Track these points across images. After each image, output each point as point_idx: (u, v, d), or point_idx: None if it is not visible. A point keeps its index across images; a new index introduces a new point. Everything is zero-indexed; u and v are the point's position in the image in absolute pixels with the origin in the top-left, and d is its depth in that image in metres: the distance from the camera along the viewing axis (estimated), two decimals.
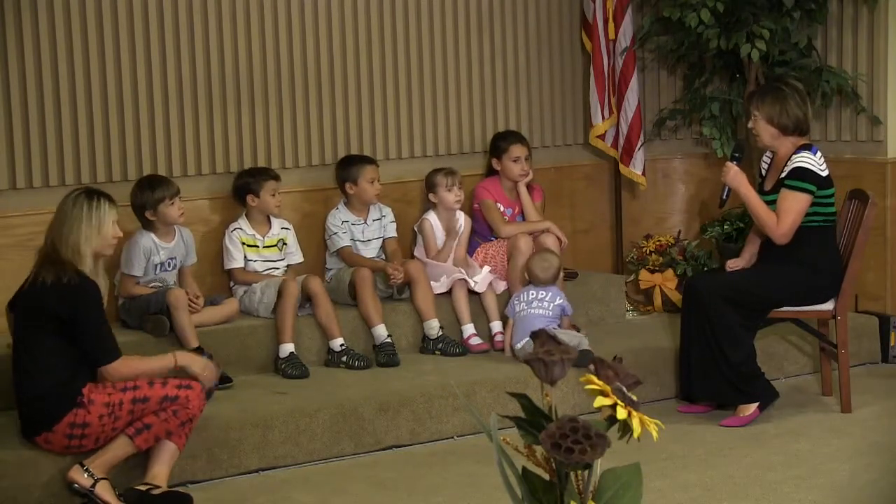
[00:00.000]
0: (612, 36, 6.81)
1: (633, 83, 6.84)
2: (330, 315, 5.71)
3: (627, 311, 6.75)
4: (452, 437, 5.36)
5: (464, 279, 6.01)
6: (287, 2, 6.15)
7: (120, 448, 4.50)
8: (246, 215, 5.90)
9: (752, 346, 5.45)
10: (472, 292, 6.05)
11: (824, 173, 5.37)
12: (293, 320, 5.62)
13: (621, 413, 2.21)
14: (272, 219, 5.94)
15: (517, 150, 6.35)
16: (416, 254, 6.30)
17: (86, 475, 4.45)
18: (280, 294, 5.62)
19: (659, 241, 6.99)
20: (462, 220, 6.25)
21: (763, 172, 5.63)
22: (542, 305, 5.75)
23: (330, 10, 6.27)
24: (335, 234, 6.05)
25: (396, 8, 6.47)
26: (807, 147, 5.40)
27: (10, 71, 5.49)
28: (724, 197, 5.53)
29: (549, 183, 6.80)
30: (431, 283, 6.00)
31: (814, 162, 5.34)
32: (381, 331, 5.78)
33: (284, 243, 5.96)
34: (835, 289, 5.46)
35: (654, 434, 2.27)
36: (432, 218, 6.23)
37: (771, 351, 6.06)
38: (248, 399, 5.22)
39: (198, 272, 5.77)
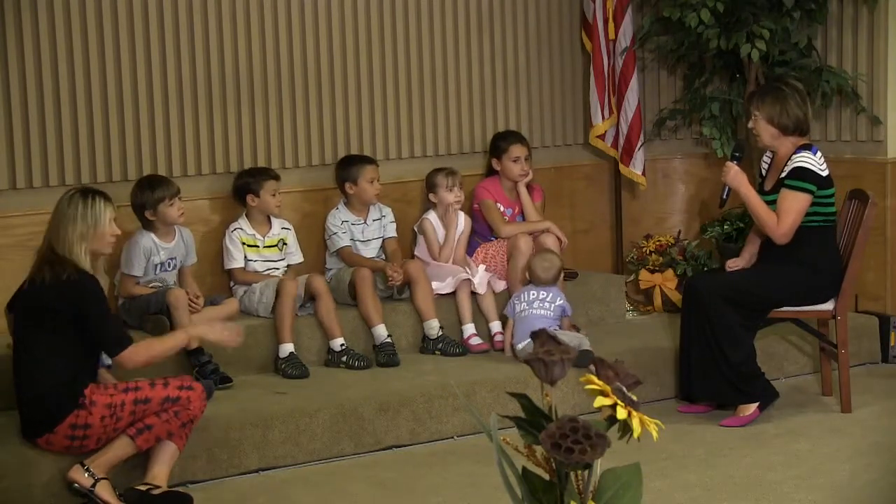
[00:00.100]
0: (612, 36, 6.81)
1: (633, 83, 6.84)
2: (331, 314, 5.71)
3: (627, 311, 6.76)
4: (452, 437, 5.36)
5: (468, 279, 6.01)
6: (287, 2, 6.15)
7: (121, 448, 4.50)
8: (246, 215, 5.90)
9: (752, 346, 5.45)
10: (473, 292, 6.05)
11: (824, 173, 5.37)
12: (292, 320, 5.62)
13: (621, 413, 2.21)
14: (272, 219, 5.95)
15: (517, 150, 6.35)
16: (416, 254, 6.30)
17: (86, 475, 4.45)
18: (278, 294, 5.62)
19: (659, 241, 6.99)
20: (462, 220, 6.25)
21: (763, 172, 5.63)
22: (543, 306, 5.75)
23: (330, 10, 6.27)
24: (335, 234, 6.05)
25: (396, 8, 6.47)
26: (807, 147, 5.40)
27: (10, 71, 5.49)
28: (725, 197, 5.53)
29: (549, 183, 6.80)
30: (437, 284, 6.01)
31: (814, 162, 5.34)
32: (381, 331, 5.78)
33: (285, 243, 5.96)
34: (835, 289, 5.46)
35: (654, 434, 2.27)
36: (432, 217, 6.23)
37: (771, 351, 6.06)
38: (248, 399, 5.22)
39: (198, 272, 5.77)
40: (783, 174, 5.38)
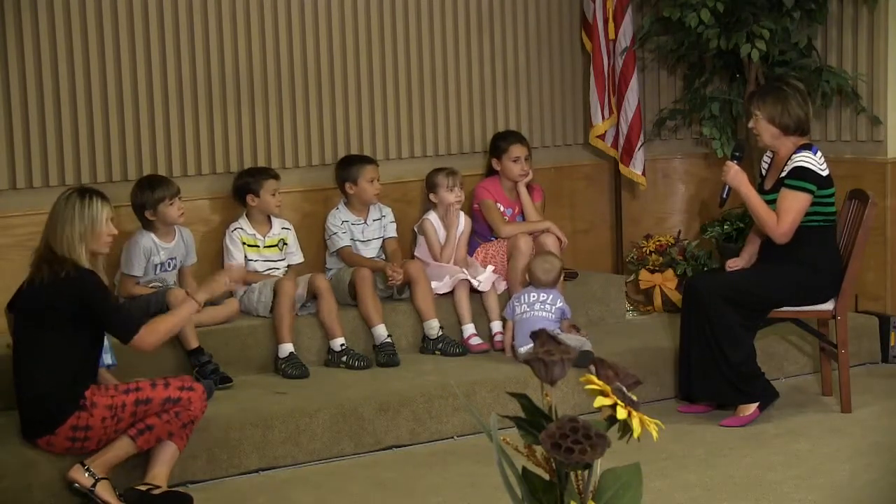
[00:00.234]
0: (612, 36, 6.81)
1: (633, 83, 6.84)
2: (333, 314, 5.71)
3: (627, 311, 6.75)
4: (452, 437, 5.36)
5: (466, 279, 6.01)
6: (287, 2, 6.15)
7: (121, 448, 4.50)
8: (246, 215, 5.90)
9: (752, 346, 5.45)
10: (474, 291, 6.05)
11: (824, 173, 5.37)
12: (291, 319, 5.62)
13: (621, 413, 2.21)
14: (273, 219, 5.95)
15: (517, 150, 6.35)
16: (416, 254, 6.30)
17: (86, 475, 4.45)
18: (275, 294, 5.61)
19: (659, 241, 6.99)
20: (462, 220, 6.25)
21: (763, 172, 5.63)
22: (544, 308, 5.74)
23: (330, 10, 6.27)
24: (335, 234, 6.05)
25: (396, 8, 6.47)
26: (807, 147, 5.40)
27: (10, 71, 5.49)
28: (725, 196, 5.53)
29: (549, 183, 6.80)
30: (435, 283, 6.01)
31: (814, 161, 5.34)
32: (381, 331, 5.78)
33: (285, 243, 5.96)
34: (835, 289, 5.46)
35: (654, 434, 2.27)
36: (432, 218, 6.23)
37: (771, 351, 6.06)
38: (248, 399, 5.22)
39: (198, 272, 5.77)
40: (783, 174, 5.38)
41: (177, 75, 5.88)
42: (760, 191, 5.48)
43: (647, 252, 6.95)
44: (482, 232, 6.36)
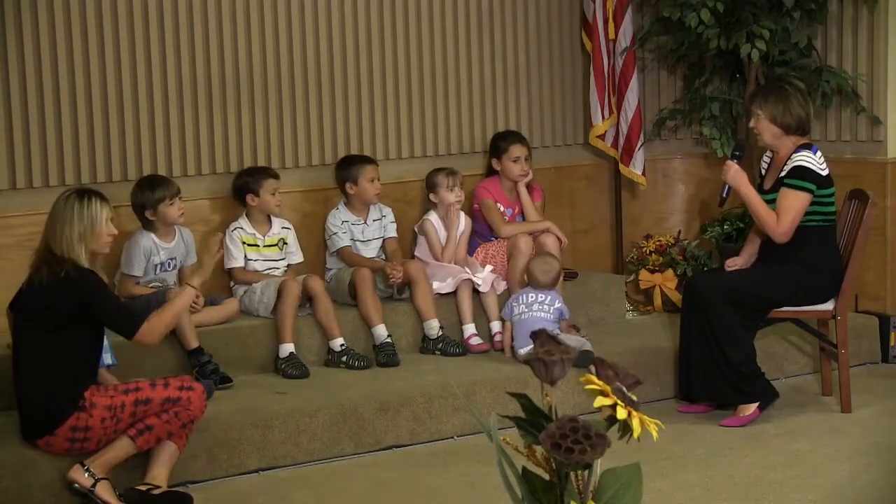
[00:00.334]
0: (612, 36, 6.81)
1: (633, 83, 6.84)
2: (330, 315, 5.71)
3: (627, 311, 6.75)
4: (452, 437, 5.36)
5: (469, 279, 6.01)
6: (287, 2, 6.15)
7: (121, 448, 4.50)
8: (246, 215, 5.90)
9: (752, 346, 5.45)
10: (474, 291, 6.05)
11: (824, 172, 5.37)
12: (293, 320, 5.62)
13: (621, 413, 2.21)
14: (272, 218, 5.95)
15: (517, 150, 6.35)
16: (416, 254, 6.30)
17: (86, 475, 4.45)
18: (280, 294, 5.62)
19: (659, 241, 6.99)
20: (463, 220, 6.25)
21: (763, 172, 5.63)
22: (542, 308, 5.74)
23: (330, 10, 6.27)
24: (335, 234, 6.05)
25: (396, 8, 6.47)
26: (807, 146, 5.40)
27: (10, 71, 5.49)
28: (724, 195, 5.53)
29: (549, 183, 6.80)
30: (437, 283, 6.01)
31: (814, 161, 5.34)
32: (381, 331, 5.78)
33: (285, 243, 5.96)
34: (835, 289, 5.46)
35: (654, 434, 2.27)
36: (433, 218, 6.23)
37: (771, 351, 6.06)
38: (248, 399, 5.22)
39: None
40: (783, 173, 5.38)
41: (177, 75, 5.88)
42: (760, 190, 5.48)
43: (647, 252, 6.95)
44: (482, 232, 6.35)
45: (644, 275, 6.88)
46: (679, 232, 7.19)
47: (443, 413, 5.35)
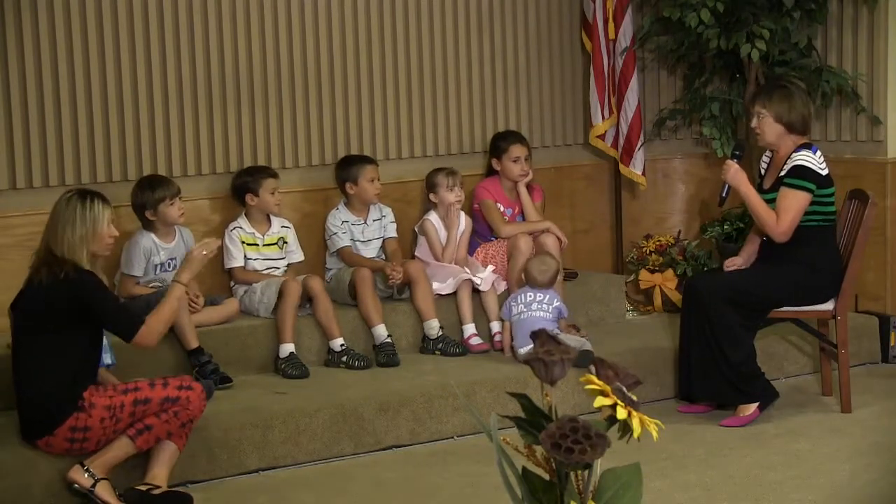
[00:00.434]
0: (612, 36, 6.81)
1: (633, 83, 6.84)
2: (330, 315, 5.71)
3: (627, 311, 6.75)
4: (452, 437, 5.36)
5: (469, 279, 6.01)
6: (287, 2, 6.15)
7: (121, 449, 4.50)
8: (245, 214, 5.90)
9: (752, 346, 5.44)
10: (475, 291, 6.05)
11: (824, 172, 5.37)
12: (293, 320, 5.62)
13: (621, 413, 2.21)
14: (272, 217, 5.95)
15: (517, 150, 6.35)
16: (416, 254, 6.30)
17: (86, 475, 4.45)
18: (281, 294, 5.62)
19: (659, 241, 6.99)
20: (463, 220, 6.25)
21: (762, 171, 5.63)
22: (541, 308, 5.74)
23: (330, 10, 6.27)
24: (335, 234, 6.05)
25: (396, 8, 6.47)
26: (807, 146, 5.40)
27: (10, 71, 5.49)
28: (724, 195, 5.53)
29: (549, 183, 6.80)
30: (437, 284, 6.01)
31: (814, 160, 5.34)
32: (381, 331, 5.78)
33: (285, 242, 5.96)
34: (835, 289, 5.46)
35: (654, 434, 2.27)
36: (433, 218, 6.23)
37: (771, 351, 6.06)
38: (248, 399, 5.22)
39: (198, 272, 5.76)
40: (783, 172, 5.38)
41: (177, 75, 5.88)
42: (760, 190, 5.48)
43: (647, 252, 6.95)
44: (482, 232, 6.35)
45: (644, 275, 6.88)
46: (679, 232, 7.19)
47: (443, 413, 5.35)
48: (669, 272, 6.83)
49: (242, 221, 5.89)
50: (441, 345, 5.88)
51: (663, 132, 7.19)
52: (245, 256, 5.85)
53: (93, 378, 4.57)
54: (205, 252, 4.76)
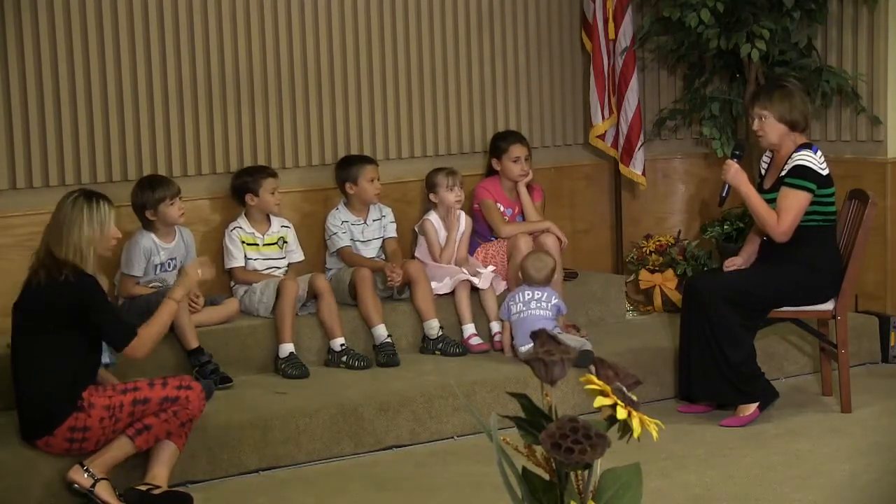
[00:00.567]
0: (612, 36, 6.81)
1: (633, 83, 6.84)
2: (333, 314, 5.71)
3: (627, 311, 6.75)
4: (452, 437, 5.36)
5: (467, 280, 6.01)
6: (287, 2, 6.15)
7: (120, 448, 4.50)
8: (245, 214, 5.90)
9: (752, 346, 5.44)
10: (474, 290, 6.04)
11: (824, 172, 5.37)
12: (293, 320, 5.62)
13: (621, 413, 2.21)
14: (272, 217, 5.95)
15: (517, 150, 6.35)
16: (416, 254, 6.30)
17: (86, 475, 4.45)
18: (278, 294, 5.61)
19: (659, 241, 6.99)
20: (463, 219, 6.25)
21: (763, 171, 5.63)
22: (540, 306, 5.74)
23: (330, 10, 6.27)
24: (335, 234, 6.05)
25: (396, 8, 6.47)
26: (807, 146, 5.40)
27: (10, 71, 5.49)
28: (724, 195, 5.53)
29: (549, 183, 6.80)
30: (435, 284, 6.00)
31: (814, 160, 5.34)
32: (381, 331, 5.78)
33: (285, 241, 5.96)
34: (835, 289, 5.46)
35: (654, 434, 2.27)
36: (433, 218, 6.23)
37: (771, 351, 6.06)
38: (248, 399, 5.22)
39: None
40: (783, 172, 5.38)
41: (177, 75, 5.88)
42: (760, 190, 5.48)
43: (647, 252, 6.95)
44: (482, 232, 6.35)
45: (644, 275, 6.88)
46: (679, 232, 7.19)
47: (443, 413, 5.35)
48: (669, 272, 6.83)
49: (242, 221, 5.89)
50: (441, 345, 5.88)
51: (663, 132, 7.19)
52: (245, 256, 5.85)
53: (92, 378, 4.57)
54: (199, 272, 4.82)
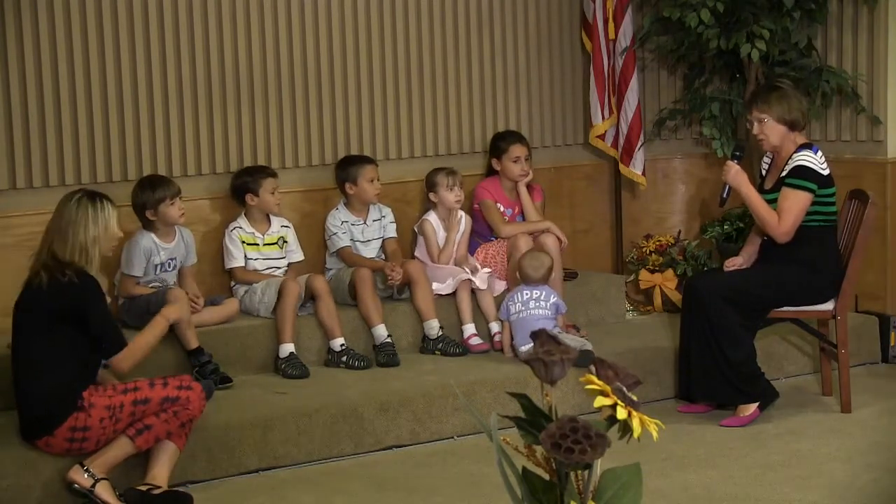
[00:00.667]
0: (612, 36, 6.81)
1: (633, 83, 6.84)
2: (332, 314, 5.71)
3: (627, 311, 6.75)
4: (452, 437, 5.36)
5: (469, 279, 6.01)
6: (287, 2, 6.15)
7: (120, 448, 4.50)
8: (245, 214, 5.90)
9: (752, 346, 5.44)
10: (474, 290, 6.04)
11: (825, 172, 5.37)
12: (293, 320, 5.62)
13: (621, 413, 2.21)
14: (272, 217, 5.95)
15: (517, 150, 6.35)
16: (416, 254, 6.30)
17: (86, 475, 4.45)
18: (280, 294, 5.62)
19: (659, 241, 6.99)
20: (463, 219, 6.25)
21: (763, 172, 5.63)
22: (539, 305, 5.74)
23: (330, 10, 6.27)
24: (335, 234, 6.05)
25: (396, 8, 6.47)
26: (808, 146, 5.40)
27: (10, 71, 5.49)
28: (725, 196, 5.53)
29: (549, 183, 6.80)
30: (437, 285, 6.00)
31: (815, 161, 5.34)
32: (381, 331, 5.78)
33: (285, 241, 5.96)
34: (835, 289, 5.46)
35: (654, 434, 2.27)
36: (432, 218, 6.23)
37: (771, 351, 6.06)
38: (248, 399, 5.22)
39: (198, 272, 5.77)
40: (784, 173, 5.38)
41: (177, 75, 5.88)
42: (761, 190, 5.48)
43: (647, 252, 6.95)
44: (482, 232, 6.35)
45: (644, 275, 6.88)
46: (679, 232, 7.19)
47: (443, 413, 5.35)
48: (669, 272, 6.83)
49: (242, 221, 5.89)
50: (441, 345, 5.88)
51: (663, 132, 7.19)
52: (245, 256, 5.85)
53: (92, 378, 4.57)
54: (190, 309, 5.08)
